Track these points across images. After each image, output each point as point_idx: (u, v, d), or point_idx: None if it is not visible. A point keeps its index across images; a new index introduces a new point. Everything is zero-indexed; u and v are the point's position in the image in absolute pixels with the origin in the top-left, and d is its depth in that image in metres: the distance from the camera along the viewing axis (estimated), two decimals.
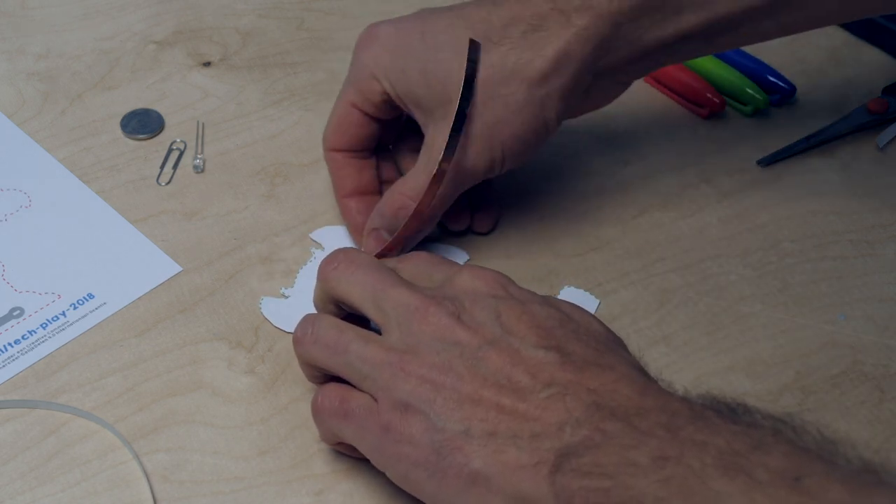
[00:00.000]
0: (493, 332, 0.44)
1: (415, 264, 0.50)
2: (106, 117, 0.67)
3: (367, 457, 0.45)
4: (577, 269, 0.59)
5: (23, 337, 0.55)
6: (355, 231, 0.59)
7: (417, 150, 0.56)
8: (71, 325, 0.55)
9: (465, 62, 0.53)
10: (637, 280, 0.59)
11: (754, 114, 0.69)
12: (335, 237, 0.60)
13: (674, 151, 0.67)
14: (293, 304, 0.57)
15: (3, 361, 0.54)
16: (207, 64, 0.71)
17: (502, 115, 0.54)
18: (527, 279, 0.59)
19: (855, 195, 0.64)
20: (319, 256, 0.59)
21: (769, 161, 0.66)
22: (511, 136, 0.54)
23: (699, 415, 0.39)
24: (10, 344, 0.54)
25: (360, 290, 0.47)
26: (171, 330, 0.56)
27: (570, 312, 0.46)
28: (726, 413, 0.40)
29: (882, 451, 0.52)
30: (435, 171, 0.53)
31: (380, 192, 0.60)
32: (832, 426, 0.52)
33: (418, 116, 0.56)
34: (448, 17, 0.55)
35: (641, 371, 0.43)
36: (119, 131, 0.66)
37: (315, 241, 0.60)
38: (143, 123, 0.66)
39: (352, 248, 0.51)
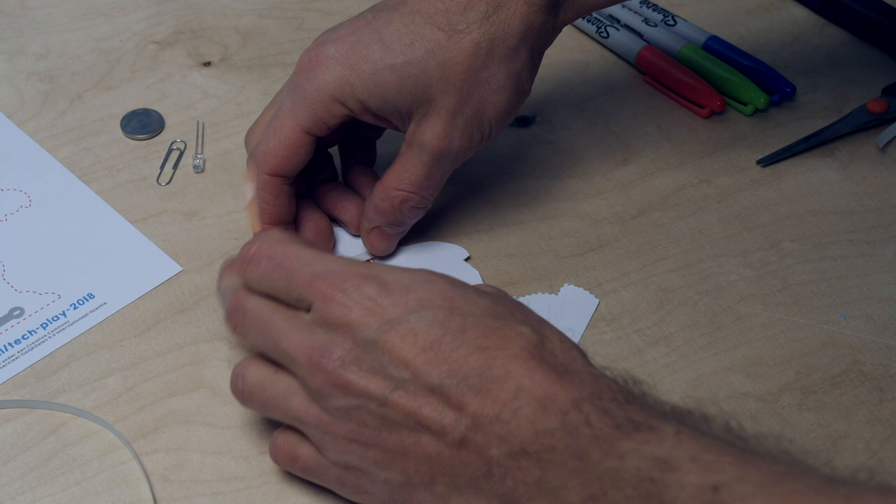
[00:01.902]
0: (386, 372, 0.43)
1: (262, 276, 0.47)
2: (106, 117, 0.67)
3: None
4: (577, 269, 0.59)
5: (23, 337, 0.55)
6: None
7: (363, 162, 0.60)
8: (71, 325, 0.55)
9: (440, 58, 0.54)
10: (637, 280, 0.59)
11: (754, 114, 0.69)
12: (337, 231, 0.61)
13: (674, 151, 0.67)
14: None
15: (3, 361, 0.54)
16: (207, 64, 0.71)
17: (487, 96, 0.55)
18: (527, 279, 0.59)
19: (855, 195, 0.64)
20: None
21: (769, 161, 0.66)
22: (496, 113, 0.56)
23: (598, 433, 0.39)
24: (10, 344, 0.54)
25: (259, 342, 0.47)
26: (171, 330, 0.56)
27: (451, 299, 0.44)
28: (623, 419, 0.40)
29: (882, 451, 0.52)
30: (431, 160, 0.55)
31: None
32: (832, 426, 0.53)
33: (394, 122, 0.56)
34: (401, 17, 0.54)
35: (533, 353, 0.42)
36: (119, 131, 0.66)
37: None
38: (143, 123, 0.66)
39: (241, 290, 0.48)
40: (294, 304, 0.46)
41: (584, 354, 0.44)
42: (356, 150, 0.61)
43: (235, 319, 0.48)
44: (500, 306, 0.44)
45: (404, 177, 0.56)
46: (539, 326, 0.44)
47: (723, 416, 0.40)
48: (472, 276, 0.59)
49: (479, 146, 0.57)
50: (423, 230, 0.61)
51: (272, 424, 0.51)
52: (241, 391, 0.48)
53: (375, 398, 0.43)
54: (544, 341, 0.43)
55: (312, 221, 0.59)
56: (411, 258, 0.60)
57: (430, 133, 0.55)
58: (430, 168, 0.56)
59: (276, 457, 0.48)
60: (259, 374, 0.47)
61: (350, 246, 0.60)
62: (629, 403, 0.41)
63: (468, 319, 0.43)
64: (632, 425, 0.39)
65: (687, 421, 0.40)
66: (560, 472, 0.39)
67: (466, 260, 0.60)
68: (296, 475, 0.49)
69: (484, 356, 0.42)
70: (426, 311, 0.43)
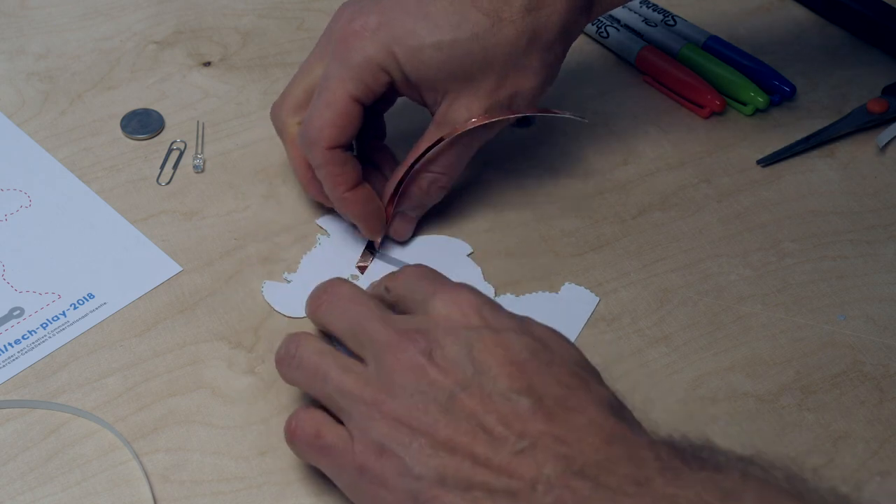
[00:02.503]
0: (465, 372, 0.43)
1: (405, 281, 0.50)
2: (106, 117, 0.67)
3: (341, 489, 0.46)
4: (577, 269, 0.59)
5: (23, 337, 0.55)
6: (366, 219, 0.58)
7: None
8: (71, 325, 0.55)
9: (484, 42, 0.55)
10: (637, 280, 0.59)
11: (754, 114, 0.69)
12: (342, 224, 0.61)
13: (674, 151, 0.67)
14: (295, 290, 0.57)
15: (3, 361, 0.54)
16: (207, 64, 0.71)
17: (521, 82, 0.56)
18: (527, 279, 0.59)
19: (855, 195, 0.64)
20: (325, 243, 0.60)
21: (769, 161, 0.66)
22: (526, 100, 0.58)
23: (666, 464, 0.39)
24: (10, 344, 0.54)
25: (340, 324, 0.48)
26: (171, 330, 0.56)
27: (547, 339, 0.45)
28: (692, 457, 0.40)
29: (882, 451, 0.52)
30: (464, 140, 0.56)
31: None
32: (832, 426, 0.53)
33: (425, 97, 0.57)
34: None
35: (611, 407, 0.43)
36: (119, 131, 0.66)
37: (321, 227, 0.60)
38: (143, 123, 0.66)
39: (336, 279, 0.51)
40: (397, 302, 0.49)
41: None
42: (368, 123, 0.61)
43: (321, 298, 0.49)
44: (586, 362, 0.46)
45: (434, 158, 0.57)
46: (617, 396, 0.45)
47: (786, 466, 0.40)
48: (473, 273, 0.59)
49: (501, 127, 0.58)
50: (423, 229, 0.61)
51: (272, 425, 0.51)
52: (293, 356, 0.47)
53: (446, 389, 0.43)
54: (623, 404, 0.44)
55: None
56: (414, 252, 0.60)
57: (466, 112, 0.56)
58: (460, 150, 0.57)
59: (296, 431, 0.46)
60: (318, 345, 0.47)
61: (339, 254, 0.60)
62: (699, 449, 0.41)
63: (557, 358, 0.44)
64: (698, 462, 0.39)
65: (750, 469, 0.40)
66: (612, 495, 0.39)
67: (469, 255, 0.60)
68: (295, 475, 0.49)
69: (563, 390, 0.43)
70: (524, 336, 0.45)
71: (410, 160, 0.57)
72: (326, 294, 0.50)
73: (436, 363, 0.44)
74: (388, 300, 0.50)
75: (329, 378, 0.46)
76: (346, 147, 0.57)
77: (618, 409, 0.43)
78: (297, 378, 0.48)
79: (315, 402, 0.48)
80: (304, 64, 0.59)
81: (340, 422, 0.46)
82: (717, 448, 0.41)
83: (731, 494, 0.37)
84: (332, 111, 0.56)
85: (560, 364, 0.44)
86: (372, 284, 0.52)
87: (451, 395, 0.43)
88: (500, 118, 0.56)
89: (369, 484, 0.43)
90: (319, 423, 0.46)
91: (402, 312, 0.49)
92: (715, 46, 0.72)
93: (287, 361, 0.48)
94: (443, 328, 0.45)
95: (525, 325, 0.46)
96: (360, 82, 0.55)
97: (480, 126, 0.56)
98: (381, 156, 0.61)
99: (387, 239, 0.60)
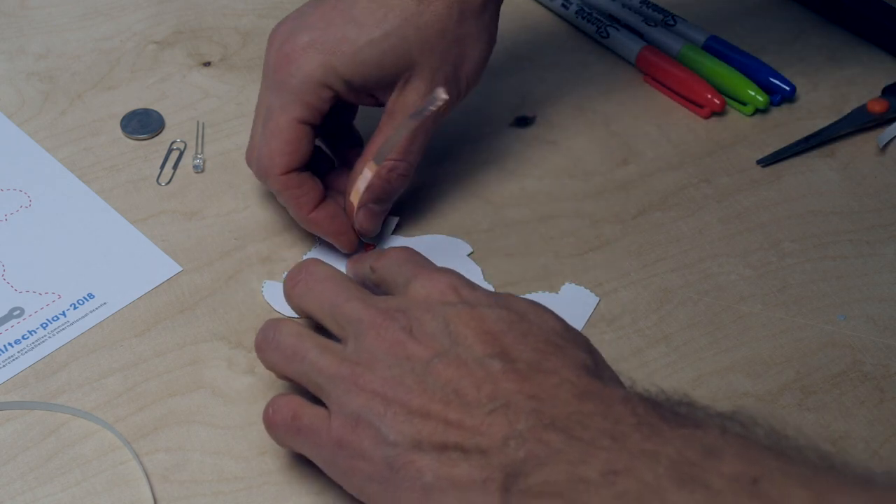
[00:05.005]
0: (443, 343, 0.44)
1: (388, 263, 0.51)
2: (106, 117, 0.67)
3: (323, 469, 0.46)
4: (577, 269, 0.59)
5: (23, 337, 0.55)
6: (337, 234, 0.58)
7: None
8: (71, 325, 0.55)
9: (416, 23, 0.55)
10: (637, 280, 0.59)
11: (754, 114, 0.69)
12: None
13: (674, 151, 0.67)
14: None
15: (3, 361, 0.54)
16: (207, 64, 0.71)
17: (463, 52, 0.56)
18: (527, 279, 0.59)
19: (855, 195, 0.64)
20: (325, 242, 0.59)
21: (769, 161, 0.66)
22: (472, 69, 0.57)
23: (643, 420, 0.39)
24: (10, 344, 0.54)
25: (319, 304, 0.48)
26: (171, 330, 0.56)
27: (525, 311, 0.46)
28: (670, 413, 0.40)
29: (882, 451, 0.52)
30: (416, 125, 0.55)
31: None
32: (832, 426, 0.53)
33: (378, 96, 0.57)
34: None
35: (586, 368, 0.43)
36: (119, 131, 0.66)
37: None
38: (143, 123, 0.66)
39: (311, 259, 0.51)
40: (380, 283, 0.50)
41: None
42: (340, 137, 0.61)
43: (297, 278, 0.49)
44: (568, 332, 0.46)
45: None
46: (595, 356, 0.45)
47: (766, 422, 0.40)
48: (473, 273, 0.59)
49: (457, 102, 0.58)
50: (423, 229, 0.61)
51: None
52: (271, 339, 0.48)
53: (423, 360, 0.43)
54: (598, 364, 0.45)
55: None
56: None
57: (414, 95, 0.56)
58: (415, 132, 0.56)
59: (273, 417, 0.47)
60: (296, 328, 0.48)
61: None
62: (677, 405, 0.41)
63: (534, 328, 0.45)
64: (677, 419, 0.39)
65: (730, 425, 0.40)
66: (586, 449, 0.39)
67: (469, 255, 0.60)
68: (295, 475, 0.49)
69: (537, 355, 0.43)
70: (500, 310, 0.45)
71: (368, 156, 0.56)
72: (302, 275, 0.50)
73: (415, 337, 0.44)
74: (372, 280, 0.51)
75: (307, 358, 0.46)
76: (301, 169, 0.57)
77: (594, 371, 0.44)
78: (275, 360, 0.48)
79: (295, 389, 0.48)
80: (258, 107, 0.58)
81: (319, 403, 0.46)
82: (695, 403, 0.41)
83: (712, 452, 0.37)
84: (280, 139, 0.56)
85: (537, 333, 0.45)
86: (354, 260, 0.54)
87: (427, 365, 0.43)
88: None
89: (347, 457, 0.44)
90: (296, 405, 0.46)
91: (385, 293, 0.50)
92: (715, 46, 0.72)
93: (265, 345, 0.48)
94: (421, 306, 0.46)
95: (503, 300, 0.47)
96: (303, 104, 0.55)
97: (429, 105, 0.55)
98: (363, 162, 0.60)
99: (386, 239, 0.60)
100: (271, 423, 0.47)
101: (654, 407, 0.40)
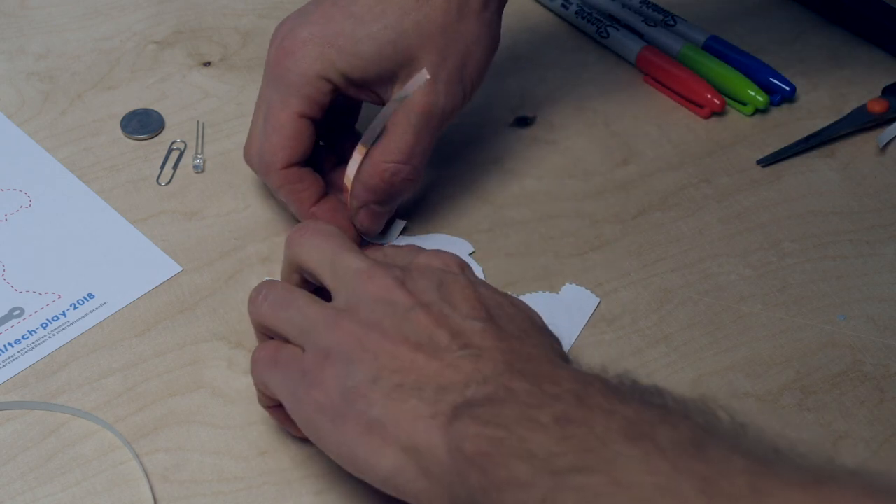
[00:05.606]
0: (430, 297, 0.44)
1: (392, 250, 0.52)
2: (106, 117, 0.67)
3: (285, 405, 0.46)
4: (577, 269, 0.59)
5: (23, 337, 0.55)
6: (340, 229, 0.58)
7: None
8: (71, 325, 0.55)
9: (415, 17, 0.54)
10: (637, 280, 0.59)
11: (754, 114, 0.69)
12: None
13: (674, 151, 0.67)
14: None
15: (3, 361, 0.54)
16: (207, 64, 0.71)
17: (466, 50, 0.56)
18: (527, 279, 0.59)
19: (855, 195, 0.64)
20: None
21: (769, 161, 0.66)
22: (475, 68, 0.57)
23: (613, 389, 0.40)
24: (10, 344, 0.54)
25: (318, 256, 0.48)
26: (171, 330, 0.56)
27: (518, 304, 0.47)
28: (638, 394, 0.40)
29: (882, 451, 0.52)
30: (419, 122, 0.55)
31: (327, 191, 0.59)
32: (832, 426, 0.53)
33: (378, 91, 0.56)
34: None
35: (562, 358, 0.44)
36: (119, 131, 0.66)
37: None
38: (143, 123, 0.66)
39: (320, 221, 0.52)
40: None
41: None
42: (342, 139, 0.61)
43: (301, 232, 0.49)
44: (552, 333, 0.47)
45: (392, 146, 0.55)
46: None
47: (731, 424, 0.39)
48: (474, 272, 0.58)
49: (462, 104, 0.57)
50: (423, 229, 0.61)
51: (273, 425, 0.51)
52: (264, 294, 0.48)
53: (406, 306, 0.44)
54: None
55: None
56: None
57: (416, 93, 0.55)
58: (418, 131, 0.55)
59: (256, 357, 0.47)
60: (289, 285, 0.48)
61: None
62: (649, 394, 0.41)
63: (522, 315, 0.46)
64: (645, 400, 0.40)
65: (694, 415, 0.40)
66: (547, 400, 0.39)
67: (471, 255, 0.60)
68: (295, 475, 0.49)
69: (520, 332, 0.44)
70: (496, 294, 0.46)
71: (363, 150, 0.56)
72: (307, 229, 0.49)
73: (404, 287, 0.45)
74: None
75: (295, 304, 0.46)
76: (302, 164, 0.57)
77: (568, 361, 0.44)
78: (263, 311, 0.48)
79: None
80: (258, 102, 0.58)
81: None
82: (665, 392, 0.41)
83: (669, 421, 0.37)
84: (280, 133, 0.56)
85: (524, 319, 0.45)
86: None
87: (408, 312, 0.43)
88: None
89: (306, 386, 0.44)
90: (278, 345, 0.47)
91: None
92: (715, 46, 0.72)
93: (257, 297, 0.48)
94: (420, 268, 0.47)
95: (502, 292, 0.47)
96: (303, 98, 0.55)
97: (437, 109, 0.55)
98: None
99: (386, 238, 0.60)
100: (255, 359, 0.48)
101: (626, 385, 0.41)
